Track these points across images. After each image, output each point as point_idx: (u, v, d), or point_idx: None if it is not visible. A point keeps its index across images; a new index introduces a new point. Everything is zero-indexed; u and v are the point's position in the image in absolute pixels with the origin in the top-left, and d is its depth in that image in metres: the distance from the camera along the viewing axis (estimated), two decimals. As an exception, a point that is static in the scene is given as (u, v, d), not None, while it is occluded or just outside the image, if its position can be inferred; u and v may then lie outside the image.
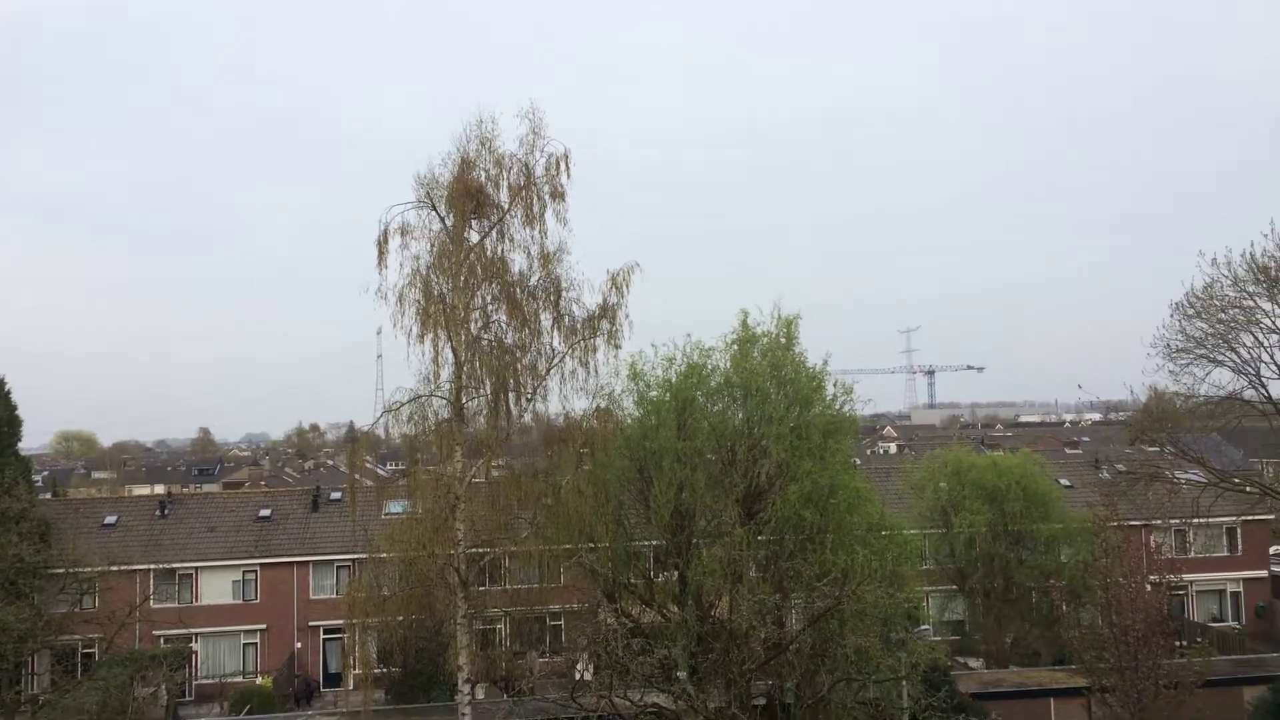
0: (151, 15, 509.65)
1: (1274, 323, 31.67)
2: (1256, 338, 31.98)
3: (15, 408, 44.49)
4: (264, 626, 46.28)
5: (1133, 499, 38.13)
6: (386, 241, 28.48)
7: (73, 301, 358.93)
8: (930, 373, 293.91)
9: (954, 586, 44.23)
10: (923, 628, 30.48)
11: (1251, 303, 31.89)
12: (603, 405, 29.41)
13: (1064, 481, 50.87)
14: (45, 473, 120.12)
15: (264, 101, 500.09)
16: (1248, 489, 36.41)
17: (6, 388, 44.24)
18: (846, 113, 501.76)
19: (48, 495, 63.50)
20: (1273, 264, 31.25)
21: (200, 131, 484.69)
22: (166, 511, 49.13)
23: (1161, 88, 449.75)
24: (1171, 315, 33.10)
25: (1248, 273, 31.68)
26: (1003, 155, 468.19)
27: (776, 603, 25.35)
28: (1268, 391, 32.47)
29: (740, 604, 24.65)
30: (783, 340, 29.37)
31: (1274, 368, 31.98)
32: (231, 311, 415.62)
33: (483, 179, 28.71)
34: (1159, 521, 41.46)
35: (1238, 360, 32.26)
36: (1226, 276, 32.05)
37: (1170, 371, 33.15)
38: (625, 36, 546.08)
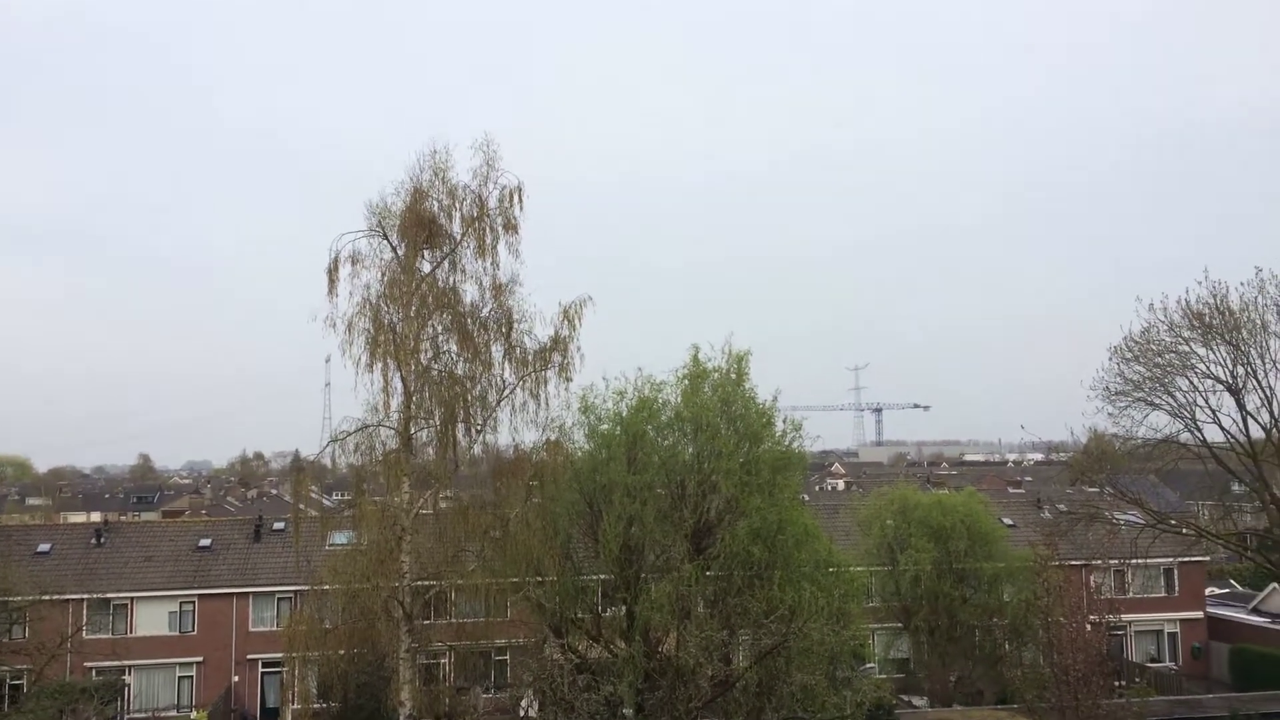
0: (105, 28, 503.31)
1: (1208, 368, 32.55)
2: (1191, 382, 32.84)
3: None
4: (200, 659, 45.16)
5: (1073, 539, 38.69)
6: (337, 269, 28.36)
7: (4, 321, 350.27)
8: (878, 410, 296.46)
9: (899, 624, 44.44)
10: (868, 666, 30.67)
11: (1187, 348, 32.77)
12: (553, 438, 29.36)
13: (1007, 520, 51.49)
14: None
15: (228, 126, 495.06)
16: (1184, 531, 37.21)
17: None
18: (800, 158, 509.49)
19: (-22, 521, 61.68)
20: (1207, 311, 32.16)
21: (139, 150, 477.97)
22: (102, 540, 47.90)
23: (1094, 142, 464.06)
24: (1110, 359, 33.94)
25: (1183, 319, 32.58)
26: (939, 201, 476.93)
27: (724, 639, 25.31)
28: (1202, 435, 33.28)
29: (688, 640, 24.61)
30: (733, 376, 29.57)
31: (1208, 412, 32.82)
32: (175, 336, 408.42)
33: (435, 209, 28.75)
34: (1099, 561, 42.11)
35: (1174, 404, 33.08)
36: (1163, 322, 32.98)
37: (1109, 414, 33.95)
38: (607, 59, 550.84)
